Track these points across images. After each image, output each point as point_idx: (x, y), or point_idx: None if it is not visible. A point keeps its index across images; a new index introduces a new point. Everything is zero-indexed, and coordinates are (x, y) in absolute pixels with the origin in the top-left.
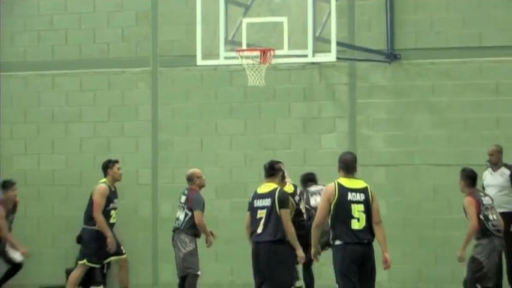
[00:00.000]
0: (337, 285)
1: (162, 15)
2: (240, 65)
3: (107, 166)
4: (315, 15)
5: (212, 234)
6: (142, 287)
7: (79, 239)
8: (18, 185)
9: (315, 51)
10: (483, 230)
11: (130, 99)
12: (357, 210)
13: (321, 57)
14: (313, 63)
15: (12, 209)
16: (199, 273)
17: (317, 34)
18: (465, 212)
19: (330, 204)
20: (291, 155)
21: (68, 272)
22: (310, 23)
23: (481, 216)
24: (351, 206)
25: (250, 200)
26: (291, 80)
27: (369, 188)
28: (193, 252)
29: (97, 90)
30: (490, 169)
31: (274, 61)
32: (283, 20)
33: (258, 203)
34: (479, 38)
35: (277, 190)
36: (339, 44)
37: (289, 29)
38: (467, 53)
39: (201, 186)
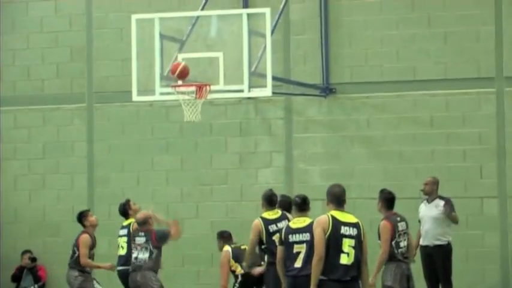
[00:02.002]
0: None
1: (97, 51)
2: (176, 100)
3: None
4: (250, 50)
5: None
6: None
7: (14, 278)
8: None
9: (251, 86)
10: (391, 255)
11: (66, 135)
12: (348, 244)
13: (256, 92)
14: (249, 98)
15: None
16: None
17: (253, 69)
18: (379, 235)
19: (325, 234)
20: (228, 190)
21: None
22: (245, 57)
23: (393, 243)
24: (342, 240)
25: (284, 235)
26: (227, 115)
27: (360, 224)
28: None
29: (32, 127)
30: (425, 201)
31: (210, 96)
32: (219, 55)
33: (295, 237)
34: (413, 72)
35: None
36: (274, 78)
37: (225, 64)
38: (401, 86)
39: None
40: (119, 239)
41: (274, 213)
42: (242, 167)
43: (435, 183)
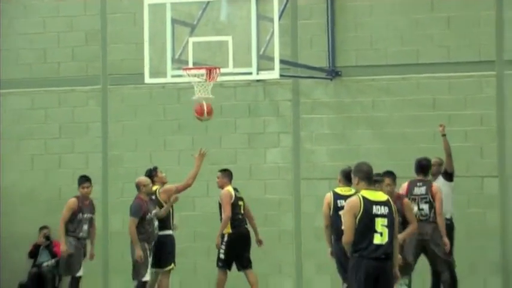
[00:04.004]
0: None
1: (110, 35)
2: (188, 82)
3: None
4: (258, 34)
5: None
6: None
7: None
8: None
9: (259, 69)
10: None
11: (81, 116)
12: (381, 224)
13: (265, 75)
14: (257, 80)
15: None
16: (143, 279)
17: (261, 52)
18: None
19: (356, 218)
20: (237, 169)
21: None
22: (254, 41)
23: None
24: (375, 219)
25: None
26: (237, 97)
27: (391, 201)
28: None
29: (48, 109)
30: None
31: (219, 79)
32: (228, 39)
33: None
34: (417, 55)
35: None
36: (282, 61)
37: (234, 48)
38: (405, 69)
39: (149, 193)
40: None
41: (347, 190)
42: (251, 147)
43: (440, 164)
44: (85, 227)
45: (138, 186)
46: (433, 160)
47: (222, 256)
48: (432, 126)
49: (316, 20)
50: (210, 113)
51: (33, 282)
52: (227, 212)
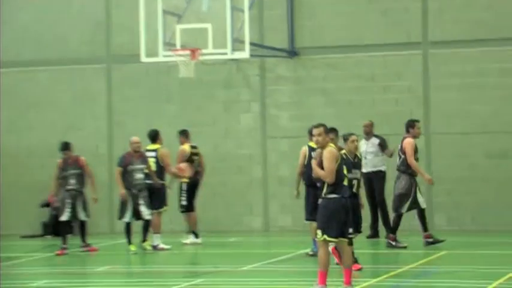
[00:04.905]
0: None
1: (114, 23)
2: (176, 61)
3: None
4: (232, 22)
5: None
6: (101, 235)
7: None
8: None
9: (233, 50)
10: None
11: (90, 89)
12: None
13: (237, 55)
14: (231, 59)
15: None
16: (124, 220)
17: (234, 37)
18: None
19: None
20: (216, 131)
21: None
22: (229, 28)
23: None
24: (343, 166)
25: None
26: (215, 73)
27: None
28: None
29: (65, 83)
30: (364, 139)
31: (201, 58)
32: (208, 26)
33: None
34: (359, 38)
35: None
36: (251, 44)
37: (213, 33)
38: (349, 49)
39: (136, 150)
40: (149, 159)
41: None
42: (227, 112)
43: (371, 125)
44: (71, 180)
45: (130, 144)
46: (366, 122)
47: (184, 203)
48: (371, 94)
49: (279, 10)
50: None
51: (52, 222)
52: (175, 165)
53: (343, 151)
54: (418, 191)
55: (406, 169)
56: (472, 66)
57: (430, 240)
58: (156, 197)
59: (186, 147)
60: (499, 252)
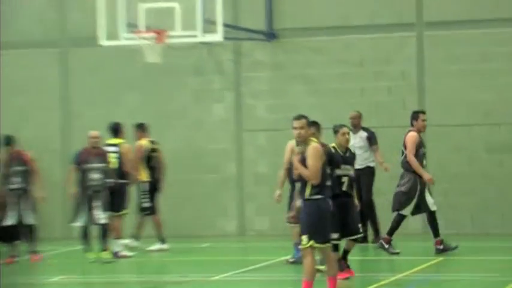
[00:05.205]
0: None
1: (70, 3)
2: (140, 44)
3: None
4: (203, 0)
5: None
6: (55, 240)
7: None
8: None
9: (204, 32)
10: None
11: (43, 76)
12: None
13: (209, 37)
14: (202, 42)
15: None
16: (76, 224)
17: (205, 17)
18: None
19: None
20: (186, 123)
21: None
22: (199, 7)
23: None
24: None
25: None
26: (184, 58)
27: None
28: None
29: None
30: (351, 132)
31: (168, 41)
32: (175, 5)
33: None
34: (345, 19)
35: None
36: (224, 25)
37: (181, 13)
38: (335, 31)
39: (92, 146)
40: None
41: None
42: (198, 102)
43: (359, 117)
44: (15, 179)
45: (88, 138)
46: (353, 114)
47: (146, 205)
48: (359, 82)
49: None
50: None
51: None
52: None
53: (333, 144)
54: (426, 191)
55: (409, 166)
56: (473, 49)
57: (441, 247)
58: (117, 198)
59: (144, 142)
60: (501, 258)
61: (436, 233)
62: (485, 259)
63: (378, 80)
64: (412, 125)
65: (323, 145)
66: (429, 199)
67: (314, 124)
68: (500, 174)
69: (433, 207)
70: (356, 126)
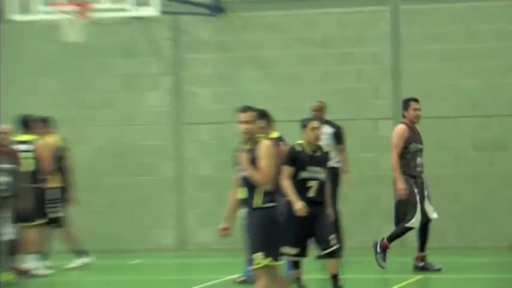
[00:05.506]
0: None
1: None
2: (58, 20)
3: None
4: None
5: None
6: None
7: None
8: None
9: (137, 4)
10: None
11: None
12: None
13: (142, 11)
14: (134, 17)
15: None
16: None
17: None
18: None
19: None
20: (113, 114)
21: None
22: None
23: None
24: None
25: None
26: (112, 36)
27: None
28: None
29: None
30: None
31: (93, 15)
32: None
33: None
34: None
35: None
36: None
37: None
38: (294, 5)
39: (0, 144)
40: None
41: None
42: (128, 89)
43: (323, 108)
44: None
45: None
46: (315, 105)
47: (55, 215)
48: (322, 65)
49: None
50: None
51: None
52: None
53: (300, 141)
54: (426, 195)
55: (403, 167)
56: (458, 27)
57: (421, 264)
58: (30, 206)
59: (52, 139)
60: (491, 276)
61: (422, 246)
62: (472, 277)
63: (345, 63)
64: (403, 116)
65: (277, 140)
66: (428, 205)
67: (263, 116)
68: (490, 175)
69: (431, 215)
70: (319, 120)
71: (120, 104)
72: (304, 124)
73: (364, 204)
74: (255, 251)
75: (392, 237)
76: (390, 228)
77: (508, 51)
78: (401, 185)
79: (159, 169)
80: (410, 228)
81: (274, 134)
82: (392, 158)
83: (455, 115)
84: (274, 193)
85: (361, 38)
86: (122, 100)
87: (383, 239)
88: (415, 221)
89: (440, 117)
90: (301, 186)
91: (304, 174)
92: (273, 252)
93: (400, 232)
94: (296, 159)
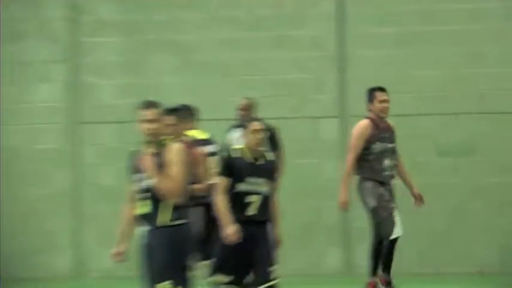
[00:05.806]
0: None
1: None
2: None
3: None
4: None
5: None
6: None
7: None
8: None
9: None
10: None
11: None
12: None
13: None
14: None
15: None
16: None
17: None
18: None
19: None
20: None
21: None
22: None
23: None
24: None
25: None
26: None
27: None
28: None
29: None
30: (239, 129)
31: None
32: None
33: None
34: None
35: None
36: None
37: None
38: None
39: None
40: None
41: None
42: (11, 81)
43: (251, 106)
44: None
45: None
46: (244, 103)
47: None
48: (253, 50)
49: None
50: None
51: None
52: None
53: (241, 146)
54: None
55: (361, 170)
56: (417, 5)
57: None
58: None
59: None
60: None
61: (374, 269)
62: None
63: (281, 49)
64: (369, 110)
65: (201, 143)
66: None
67: (173, 111)
68: (456, 186)
69: (397, 232)
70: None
71: (2, 99)
72: (243, 126)
73: (303, 220)
74: (160, 280)
75: (385, 266)
76: (336, 250)
77: (478, 35)
78: (343, 198)
79: (51, 178)
80: (395, 240)
81: (202, 135)
82: (347, 162)
83: (414, 112)
84: (184, 208)
85: (300, 19)
86: (4, 94)
87: (374, 275)
88: (398, 230)
89: (396, 115)
90: (238, 202)
91: (242, 187)
92: (183, 281)
93: (388, 253)
94: (232, 168)
